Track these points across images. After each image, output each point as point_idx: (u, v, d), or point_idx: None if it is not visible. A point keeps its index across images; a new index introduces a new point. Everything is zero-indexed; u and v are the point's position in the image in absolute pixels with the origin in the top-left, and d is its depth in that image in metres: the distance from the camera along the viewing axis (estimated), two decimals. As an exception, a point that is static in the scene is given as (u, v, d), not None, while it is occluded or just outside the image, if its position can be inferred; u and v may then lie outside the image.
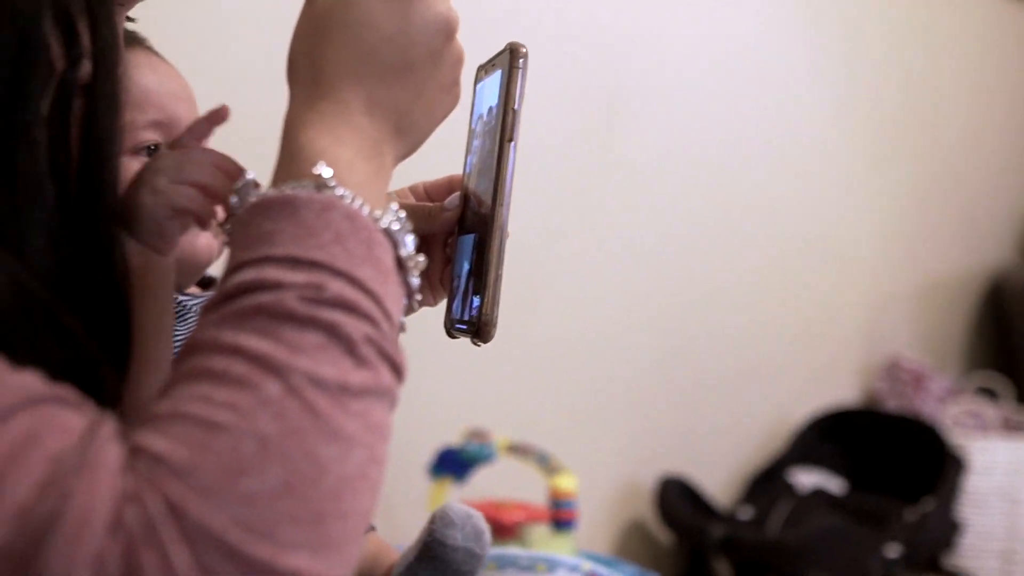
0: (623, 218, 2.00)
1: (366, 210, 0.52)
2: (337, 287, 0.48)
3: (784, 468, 2.30)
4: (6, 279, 0.48)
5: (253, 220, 0.51)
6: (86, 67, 0.55)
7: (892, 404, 2.54)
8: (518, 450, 1.59)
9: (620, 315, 2.02)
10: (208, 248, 0.78)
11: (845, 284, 2.54)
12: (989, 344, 2.96)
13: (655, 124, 2.02)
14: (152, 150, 0.75)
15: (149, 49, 0.77)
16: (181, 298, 0.76)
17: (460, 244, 0.71)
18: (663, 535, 2.11)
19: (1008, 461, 2.36)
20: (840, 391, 2.55)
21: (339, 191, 0.51)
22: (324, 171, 0.52)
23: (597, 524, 2.00)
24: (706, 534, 1.96)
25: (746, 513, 2.18)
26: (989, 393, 2.67)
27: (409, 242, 0.54)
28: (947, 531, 2.13)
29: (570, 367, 1.95)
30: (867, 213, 2.57)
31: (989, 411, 2.52)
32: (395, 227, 0.53)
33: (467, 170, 0.74)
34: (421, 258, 0.54)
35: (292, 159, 0.54)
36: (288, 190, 0.51)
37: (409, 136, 0.59)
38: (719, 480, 2.28)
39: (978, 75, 2.87)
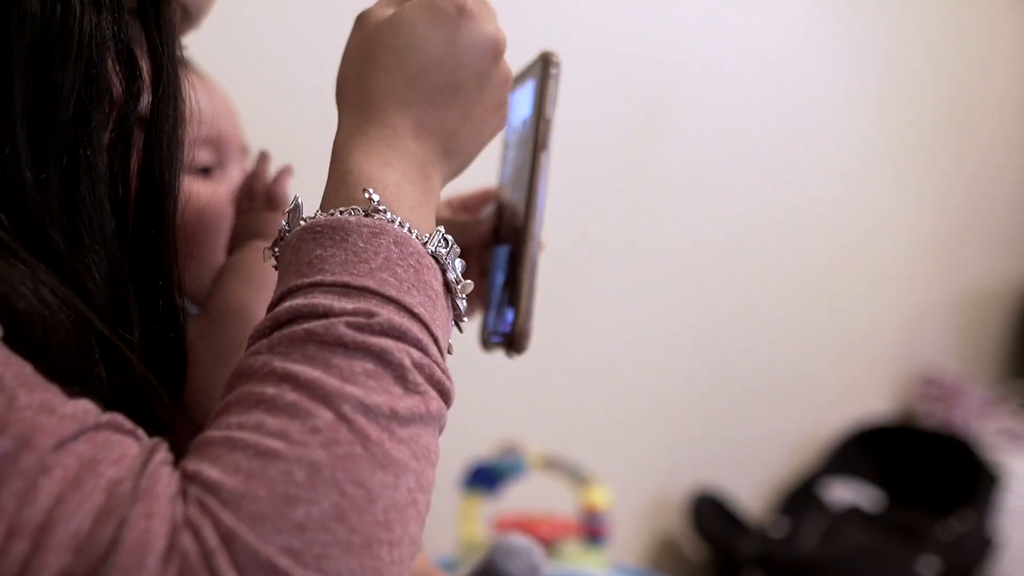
0: (657, 229, 1.99)
1: (415, 234, 0.52)
2: (386, 313, 0.48)
3: (819, 481, 2.28)
4: (64, 309, 0.48)
5: (304, 245, 0.51)
6: (145, 99, 0.55)
7: (928, 416, 2.52)
8: (551, 464, 1.59)
9: (653, 326, 2.01)
10: None
11: (881, 295, 2.52)
12: (1026, 355, 2.93)
13: (691, 135, 2.02)
14: (206, 172, 0.76)
15: (193, 69, 0.78)
16: None
17: (495, 256, 0.71)
18: (695, 549, 2.09)
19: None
20: (875, 403, 2.52)
21: (388, 215, 0.52)
22: (373, 196, 0.52)
23: (629, 537, 1.99)
24: (740, 550, 1.94)
25: (780, 527, 2.16)
26: (1026, 406, 2.64)
27: (457, 265, 0.54)
28: (984, 547, 2.10)
29: (602, 378, 1.94)
30: (903, 224, 2.54)
31: (1026, 425, 2.49)
32: (443, 251, 0.53)
33: (502, 182, 0.74)
34: (469, 281, 0.55)
35: (342, 183, 0.54)
36: (338, 215, 0.52)
37: (456, 158, 0.60)
38: (752, 492, 2.26)
39: (1015, 85, 2.84)
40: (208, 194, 0.75)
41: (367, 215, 0.52)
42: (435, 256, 0.53)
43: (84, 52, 0.51)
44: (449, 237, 0.54)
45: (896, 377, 2.59)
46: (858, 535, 2.09)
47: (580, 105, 1.74)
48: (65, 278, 0.50)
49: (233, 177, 0.78)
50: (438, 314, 0.51)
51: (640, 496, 2.05)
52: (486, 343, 0.69)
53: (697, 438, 2.13)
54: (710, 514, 2.04)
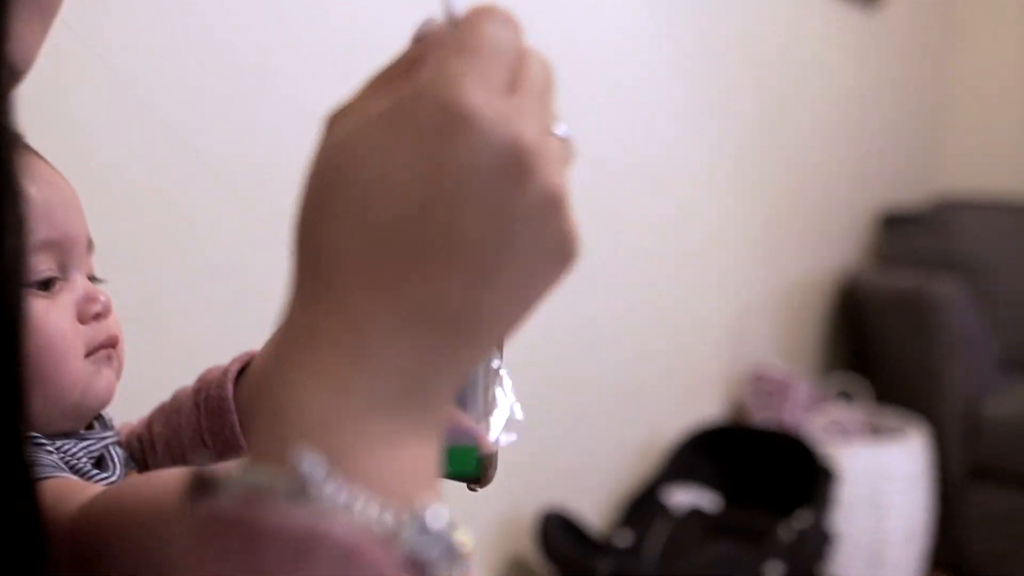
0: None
1: (378, 525, 0.32)
2: None
3: (659, 488, 2.28)
4: None
5: (201, 546, 0.32)
6: None
7: (759, 415, 2.56)
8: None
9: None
10: (108, 389, 0.64)
11: (707, 297, 2.54)
12: (846, 346, 3.04)
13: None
14: (46, 284, 0.61)
15: (27, 147, 0.59)
16: (62, 442, 0.62)
17: None
18: (546, 570, 2.05)
19: (871, 466, 2.40)
20: (710, 405, 2.55)
21: (331, 498, 0.32)
22: (308, 463, 0.32)
23: (481, 563, 1.92)
24: (592, 570, 1.91)
25: (625, 538, 2.14)
26: (848, 396, 2.72)
27: (451, 556, 0.34)
28: (823, 544, 2.14)
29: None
30: (726, 225, 2.57)
31: (851, 416, 2.57)
32: (432, 554, 0.33)
33: None
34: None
35: (271, 422, 0.35)
36: (251, 498, 0.32)
37: (478, 341, 0.38)
38: (599, 506, 2.24)
39: (830, 82, 2.93)
40: (54, 316, 0.60)
41: (294, 498, 0.31)
42: (413, 561, 0.32)
43: None
44: (443, 513, 0.33)
45: (728, 377, 2.62)
46: (702, 540, 2.09)
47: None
48: None
49: (77, 284, 0.63)
50: None
51: (490, 521, 1.98)
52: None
53: (541, 458, 2.08)
54: (558, 533, 1.99)
